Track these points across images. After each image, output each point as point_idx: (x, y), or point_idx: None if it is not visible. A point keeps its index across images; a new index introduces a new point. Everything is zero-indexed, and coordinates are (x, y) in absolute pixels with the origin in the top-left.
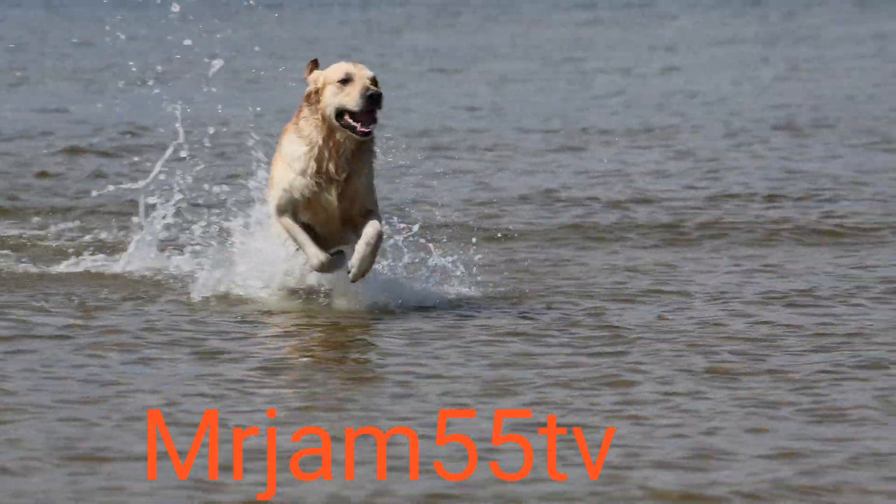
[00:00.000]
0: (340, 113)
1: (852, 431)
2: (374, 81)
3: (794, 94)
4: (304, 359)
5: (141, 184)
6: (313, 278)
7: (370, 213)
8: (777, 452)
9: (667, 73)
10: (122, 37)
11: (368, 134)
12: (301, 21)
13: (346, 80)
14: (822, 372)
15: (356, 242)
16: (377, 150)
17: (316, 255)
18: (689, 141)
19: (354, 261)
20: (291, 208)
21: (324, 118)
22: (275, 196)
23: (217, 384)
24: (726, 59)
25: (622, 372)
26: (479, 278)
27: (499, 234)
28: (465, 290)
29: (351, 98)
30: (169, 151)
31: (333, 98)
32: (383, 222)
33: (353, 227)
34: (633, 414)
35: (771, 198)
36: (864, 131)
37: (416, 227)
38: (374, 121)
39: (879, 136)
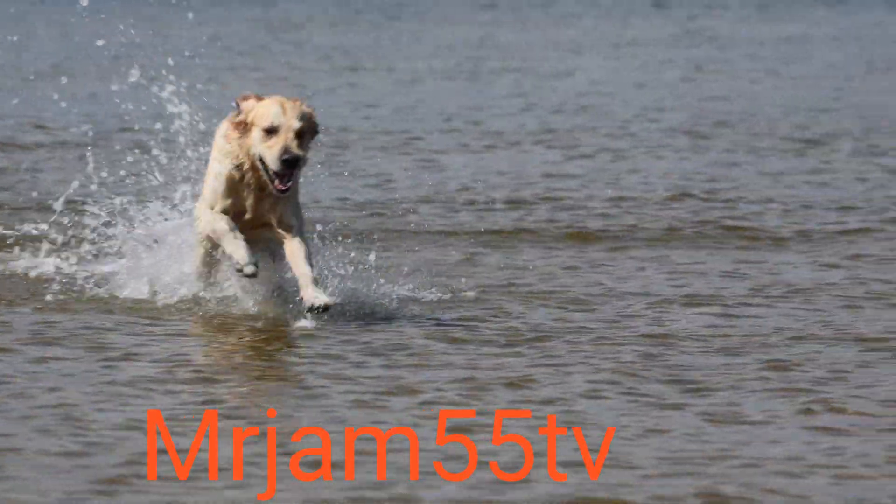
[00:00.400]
0: (263, 165)
1: (753, 433)
2: (298, 133)
3: (695, 96)
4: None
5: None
6: (235, 281)
7: (291, 228)
8: (674, 455)
9: (569, 73)
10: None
11: (286, 191)
12: (208, 17)
13: (271, 131)
14: (722, 374)
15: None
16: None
17: (241, 254)
18: (590, 142)
19: (305, 299)
20: (219, 208)
21: (250, 158)
22: (206, 196)
23: (122, 385)
24: (629, 60)
25: (523, 371)
26: (381, 280)
27: (398, 235)
28: (366, 291)
29: (271, 155)
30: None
31: (258, 145)
32: (305, 237)
33: (269, 232)
34: (535, 414)
35: (672, 198)
36: (765, 133)
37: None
38: (291, 178)
39: (779, 138)
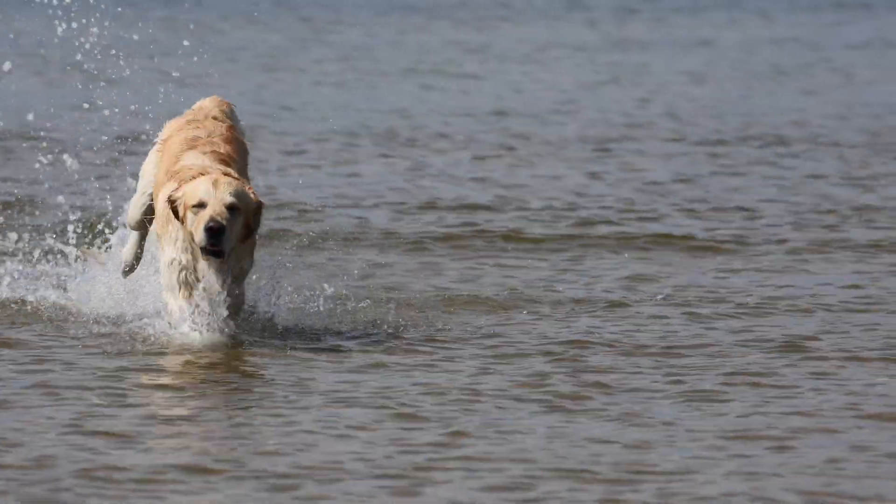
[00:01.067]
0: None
1: (656, 436)
2: (231, 207)
3: (617, 100)
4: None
5: None
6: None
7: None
8: (583, 464)
9: (485, 77)
10: None
11: (217, 254)
12: (118, 18)
13: (198, 206)
14: (628, 377)
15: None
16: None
17: (179, 313)
18: (504, 146)
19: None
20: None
21: (188, 235)
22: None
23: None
24: (551, 64)
25: (431, 373)
26: (286, 284)
27: (304, 240)
28: (276, 299)
29: (197, 232)
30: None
31: (190, 223)
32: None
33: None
34: (441, 417)
35: (571, 206)
36: (680, 138)
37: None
38: (221, 251)
39: (697, 139)
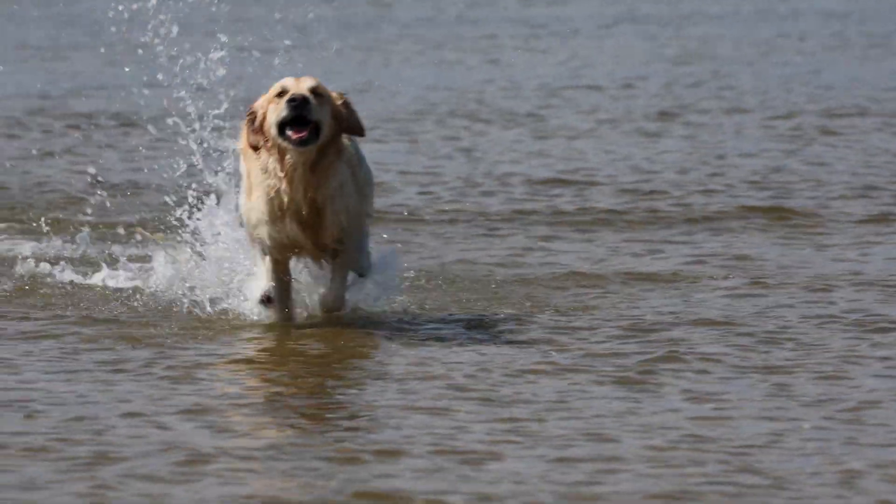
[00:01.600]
0: (280, 128)
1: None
2: (313, 91)
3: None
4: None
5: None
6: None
7: (339, 253)
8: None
9: (556, 51)
10: None
11: (303, 141)
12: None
13: (281, 94)
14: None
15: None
16: (354, 166)
17: (260, 287)
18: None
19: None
20: (261, 244)
21: (273, 142)
22: (248, 225)
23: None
24: (620, 38)
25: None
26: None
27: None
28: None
29: (279, 109)
30: None
31: (272, 115)
32: (356, 257)
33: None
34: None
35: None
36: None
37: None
38: (308, 130)
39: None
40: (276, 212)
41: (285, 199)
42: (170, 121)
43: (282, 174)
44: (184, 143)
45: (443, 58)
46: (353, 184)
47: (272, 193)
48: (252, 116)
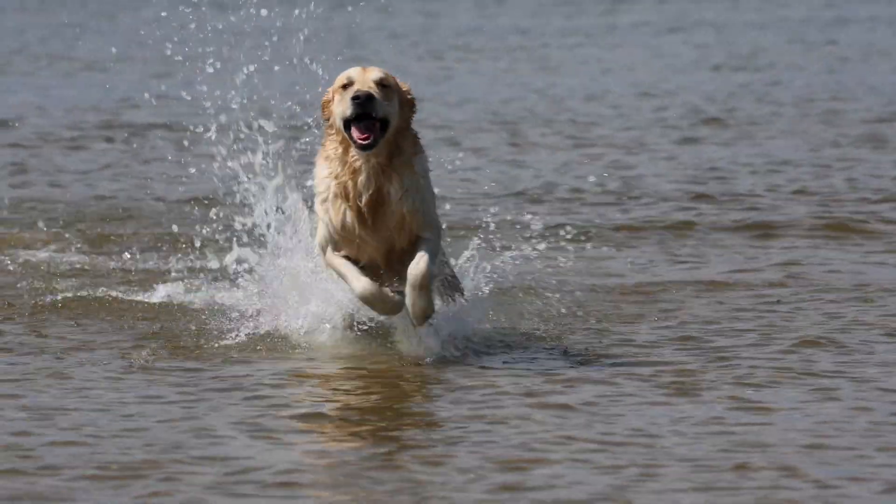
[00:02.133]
0: (346, 124)
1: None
2: (380, 83)
3: (746, 81)
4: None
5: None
6: (367, 313)
7: (420, 240)
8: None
9: (615, 60)
10: None
11: (368, 145)
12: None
13: (346, 86)
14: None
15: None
16: (426, 163)
17: (360, 283)
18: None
19: (407, 306)
20: (331, 243)
21: (337, 132)
22: (318, 231)
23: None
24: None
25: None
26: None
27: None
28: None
29: (344, 104)
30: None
31: (337, 107)
32: (437, 249)
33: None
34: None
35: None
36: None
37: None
38: (373, 133)
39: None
40: (338, 193)
41: (349, 186)
42: (230, 132)
43: (347, 160)
44: (245, 157)
45: (491, 67)
46: (428, 186)
47: (335, 177)
48: (327, 101)
